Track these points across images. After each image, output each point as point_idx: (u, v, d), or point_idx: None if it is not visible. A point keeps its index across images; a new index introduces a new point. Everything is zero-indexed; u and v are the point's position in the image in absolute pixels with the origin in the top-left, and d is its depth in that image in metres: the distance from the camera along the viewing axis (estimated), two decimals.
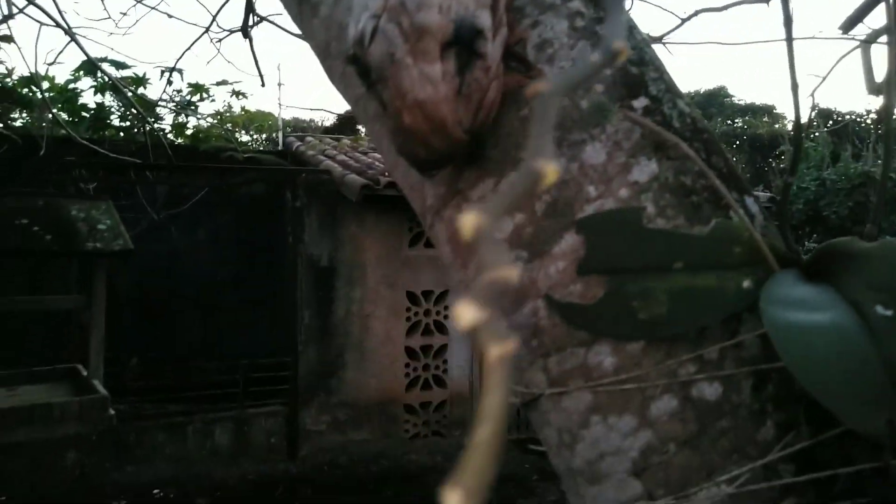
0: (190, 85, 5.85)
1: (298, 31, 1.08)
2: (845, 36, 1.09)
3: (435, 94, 0.67)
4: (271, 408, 5.17)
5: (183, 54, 5.76)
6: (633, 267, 0.70)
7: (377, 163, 5.78)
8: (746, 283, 0.69)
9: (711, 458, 0.67)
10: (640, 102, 0.75)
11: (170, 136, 6.03)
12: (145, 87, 5.48)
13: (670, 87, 0.79)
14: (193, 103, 5.87)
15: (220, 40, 2.63)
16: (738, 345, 0.70)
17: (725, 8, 1.34)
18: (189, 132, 6.32)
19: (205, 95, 5.88)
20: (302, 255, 5.27)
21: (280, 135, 8.74)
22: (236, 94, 6.33)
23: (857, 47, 1.05)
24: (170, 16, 5.02)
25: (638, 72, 0.77)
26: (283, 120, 9.59)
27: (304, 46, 1.13)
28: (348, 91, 0.94)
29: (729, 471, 0.67)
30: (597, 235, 0.72)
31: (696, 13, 1.41)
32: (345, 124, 11.35)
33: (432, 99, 0.67)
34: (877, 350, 0.49)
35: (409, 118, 0.69)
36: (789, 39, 0.78)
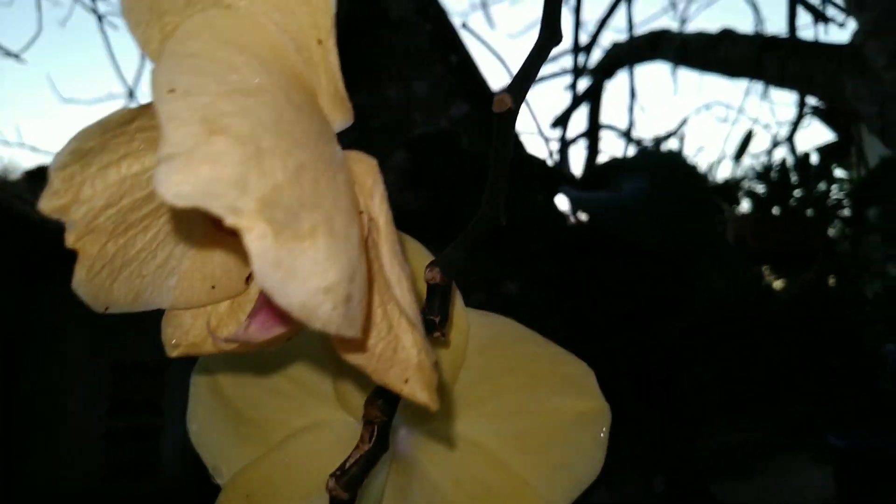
0: None
1: None
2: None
3: None
4: None
5: None
6: (452, 179, 0.82)
7: None
8: (540, 197, 0.84)
9: None
10: (455, 57, 0.90)
11: None
12: None
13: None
14: None
15: None
16: (535, 254, 0.84)
17: None
18: None
19: None
20: None
21: None
22: None
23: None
24: None
25: (454, 35, 0.92)
26: None
27: None
28: None
29: None
30: (423, 153, 0.82)
31: None
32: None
33: None
34: (650, 201, 0.66)
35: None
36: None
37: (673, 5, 2.94)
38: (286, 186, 0.15)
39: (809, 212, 2.34)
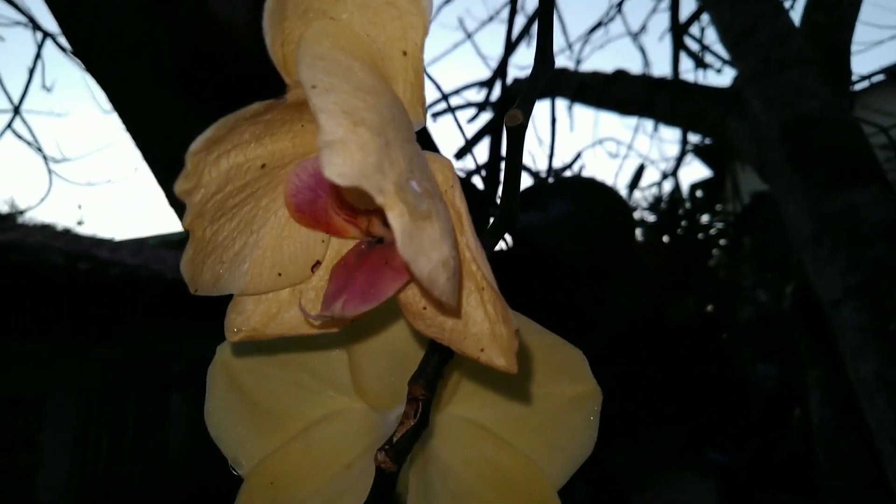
0: None
1: None
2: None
3: (234, 19, 0.75)
4: None
5: None
6: None
7: None
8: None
9: None
10: None
11: None
12: None
13: None
14: None
15: None
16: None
17: None
18: None
19: None
20: None
21: None
22: None
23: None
24: None
25: None
26: None
27: None
28: None
29: None
30: None
31: None
32: None
33: (230, 22, 0.75)
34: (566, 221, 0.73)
35: (206, 36, 0.74)
36: None
37: (569, 46, 3.12)
38: (407, 174, 0.17)
39: (695, 239, 2.54)
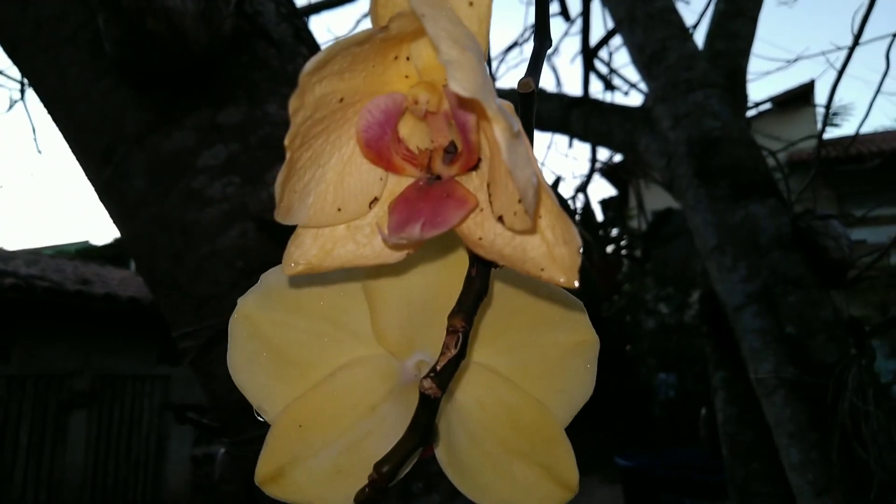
0: None
1: None
2: None
3: (182, 7, 0.74)
4: None
5: None
6: None
7: None
8: None
9: None
10: None
11: None
12: None
13: None
14: None
15: None
16: None
17: None
18: None
19: None
20: None
21: None
22: None
23: None
24: None
25: None
26: None
27: None
28: None
29: None
30: None
31: None
32: None
33: (179, 10, 0.74)
34: None
35: (152, 23, 0.73)
36: None
37: (488, 63, 3.19)
38: (496, 95, 0.20)
39: (606, 253, 2.64)
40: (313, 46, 0.96)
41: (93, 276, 4.72)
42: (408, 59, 0.25)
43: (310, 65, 0.21)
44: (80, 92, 0.85)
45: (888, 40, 1.61)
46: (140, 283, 5.12)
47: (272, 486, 0.30)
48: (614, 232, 3.13)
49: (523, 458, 0.32)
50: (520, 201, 0.21)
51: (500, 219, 0.23)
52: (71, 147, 0.91)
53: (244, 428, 0.84)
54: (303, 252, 0.27)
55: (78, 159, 0.91)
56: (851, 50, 1.67)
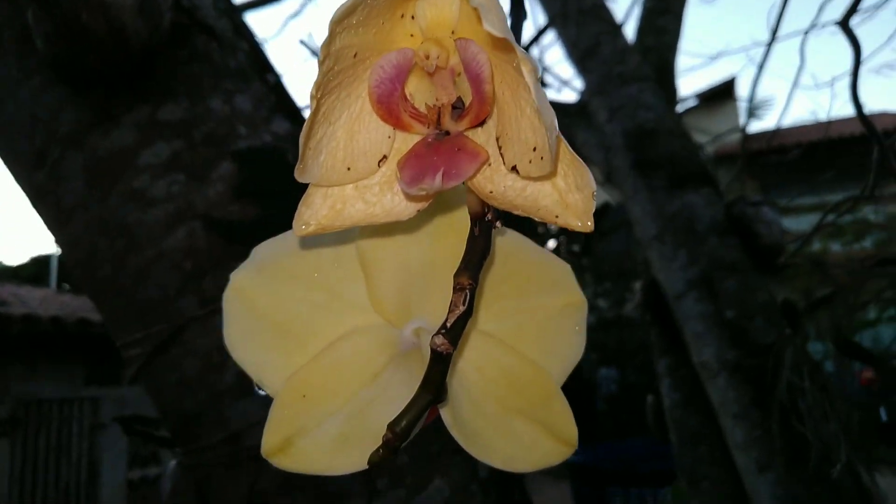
0: None
1: None
2: None
3: (120, 1, 0.71)
4: None
5: None
6: (280, 191, 0.83)
7: None
8: None
9: None
10: (272, 77, 0.92)
11: None
12: None
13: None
14: None
15: None
16: None
17: None
18: None
19: None
20: None
21: None
22: None
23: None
24: None
25: (267, 58, 0.94)
26: None
27: None
28: None
29: None
30: (251, 165, 0.82)
31: None
32: None
33: (117, 3, 0.71)
34: None
35: (88, 17, 0.70)
36: None
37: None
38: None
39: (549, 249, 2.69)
40: (253, 41, 0.94)
41: (9, 297, 4.48)
42: (413, 17, 0.25)
43: (337, 13, 0.21)
44: (7, 92, 0.80)
45: (803, 37, 1.69)
46: (63, 302, 4.88)
47: (280, 457, 0.30)
48: (552, 227, 3.18)
49: (523, 416, 0.33)
50: (535, 149, 0.21)
51: (514, 168, 0.23)
52: None
53: (198, 436, 0.81)
54: (313, 212, 0.27)
55: (6, 164, 0.86)
56: (769, 46, 1.75)
